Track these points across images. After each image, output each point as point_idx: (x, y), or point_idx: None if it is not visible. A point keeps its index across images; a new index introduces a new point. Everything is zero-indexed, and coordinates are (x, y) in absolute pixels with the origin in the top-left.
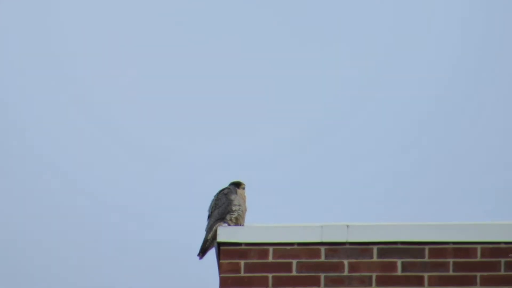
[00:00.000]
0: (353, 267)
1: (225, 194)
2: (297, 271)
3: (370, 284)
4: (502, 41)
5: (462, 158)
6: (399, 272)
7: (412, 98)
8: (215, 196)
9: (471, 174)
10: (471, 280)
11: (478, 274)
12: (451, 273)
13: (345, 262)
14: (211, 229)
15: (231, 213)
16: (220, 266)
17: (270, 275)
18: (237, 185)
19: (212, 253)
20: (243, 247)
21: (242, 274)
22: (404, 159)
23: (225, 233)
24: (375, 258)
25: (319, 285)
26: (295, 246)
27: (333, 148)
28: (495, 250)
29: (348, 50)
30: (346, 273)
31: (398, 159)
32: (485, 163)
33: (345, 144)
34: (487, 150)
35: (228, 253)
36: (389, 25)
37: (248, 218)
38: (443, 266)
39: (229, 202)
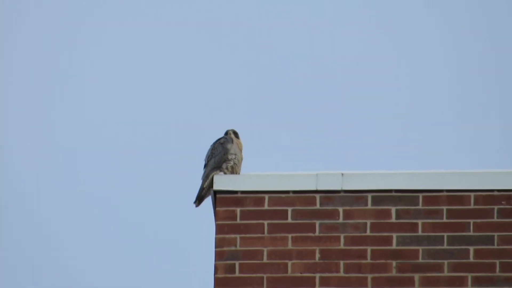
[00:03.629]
0: (347, 215)
1: (222, 144)
2: (293, 219)
3: (365, 231)
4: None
5: (456, 105)
6: (393, 220)
7: (407, 45)
8: (211, 145)
9: (465, 122)
10: (465, 227)
11: (472, 221)
12: (444, 220)
13: (340, 209)
14: (207, 178)
15: (227, 162)
16: (216, 213)
17: (265, 223)
18: (233, 134)
19: (208, 201)
20: (239, 195)
21: (238, 221)
22: (400, 106)
23: (221, 182)
24: (369, 206)
25: (314, 232)
26: (291, 194)
27: (328, 96)
28: (488, 197)
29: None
30: (340, 220)
31: (394, 107)
32: (479, 110)
33: (340, 93)
34: (479, 98)
35: (224, 201)
36: None
37: (244, 167)
38: (437, 214)
39: (226, 151)
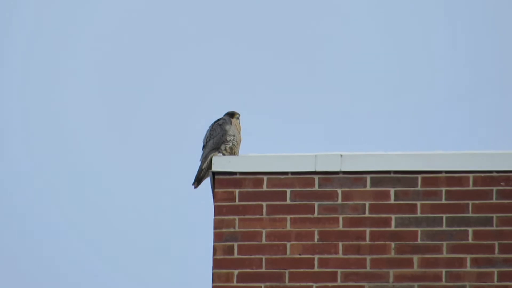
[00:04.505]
0: (346, 196)
1: (220, 125)
2: (291, 200)
3: (364, 213)
4: None
5: (454, 87)
6: (392, 201)
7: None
8: (210, 126)
9: (464, 103)
10: (463, 208)
11: (470, 202)
12: (443, 201)
13: (339, 191)
14: (206, 159)
15: (226, 143)
16: (215, 195)
17: (264, 204)
18: (231, 115)
19: (207, 182)
20: (237, 176)
21: (237, 202)
22: (399, 89)
23: (220, 163)
24: (368, 187)
25: (313, 213)
26: (289, 175)
27: (328, 78)
28: (487, 178)
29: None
30: (339, 201)
31: (393, 89)
32: (474, 91)
33: (339, 73)
34: (477, 77)
35: (223, 182)
36: None
37: (242, 148)
38: (436, 195)
39: (224, 132)
